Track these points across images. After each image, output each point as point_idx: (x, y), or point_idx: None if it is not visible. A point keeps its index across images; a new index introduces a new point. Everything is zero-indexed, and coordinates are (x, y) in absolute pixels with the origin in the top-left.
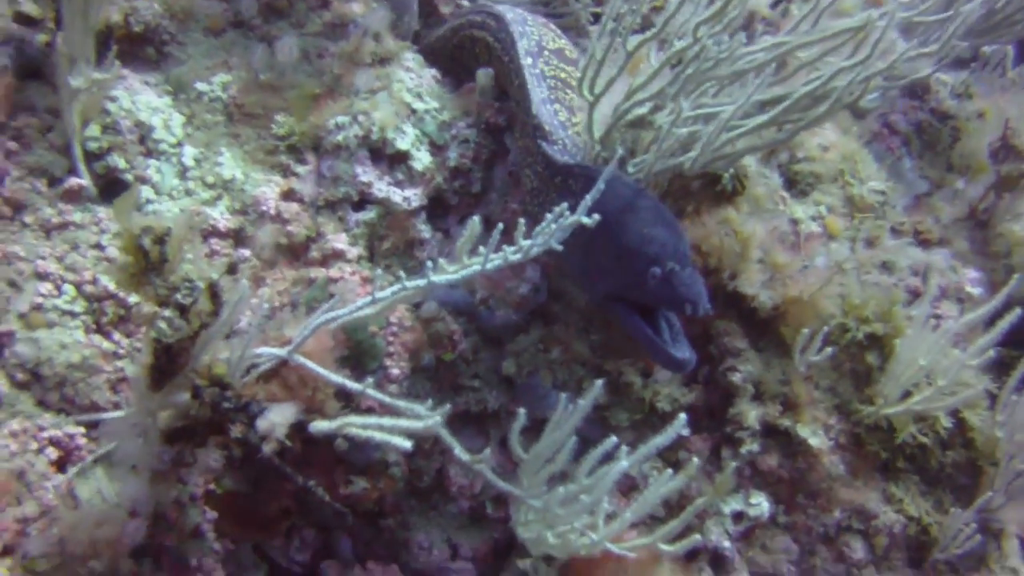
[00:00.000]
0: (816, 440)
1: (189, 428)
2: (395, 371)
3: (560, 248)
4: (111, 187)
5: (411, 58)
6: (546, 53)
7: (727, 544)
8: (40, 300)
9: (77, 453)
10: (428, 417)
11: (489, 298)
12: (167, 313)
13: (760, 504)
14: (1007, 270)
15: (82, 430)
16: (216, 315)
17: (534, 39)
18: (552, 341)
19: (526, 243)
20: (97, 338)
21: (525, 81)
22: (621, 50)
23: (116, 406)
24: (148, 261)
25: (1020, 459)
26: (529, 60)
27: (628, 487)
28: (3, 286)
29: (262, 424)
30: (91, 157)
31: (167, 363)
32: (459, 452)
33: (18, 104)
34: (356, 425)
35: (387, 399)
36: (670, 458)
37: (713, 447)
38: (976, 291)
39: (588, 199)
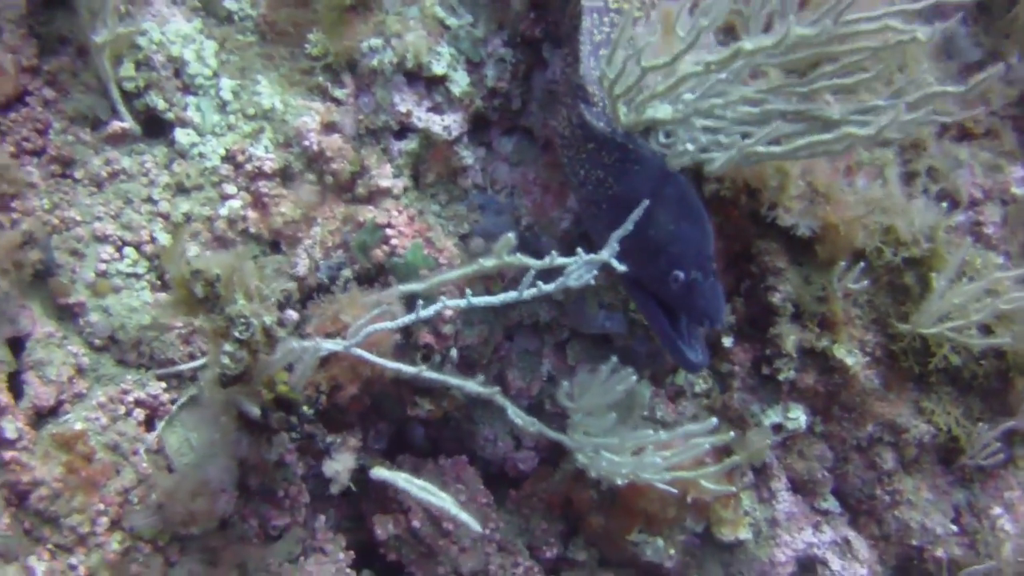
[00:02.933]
0: (852, 359)
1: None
2: (448, 312)
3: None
4: (153, 123)
5: None
6: None
7: (761, 441)
8: (103, 266)
9: (162, 408)
10: (484, 387)
11: (534, 225)
12: (228, 347)
13: (798, 417)
14: None
15: (163, 385)
16: (272, 346)
17: None
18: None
19: (549, 286)
20: (163, 296)
21: (582, 16)
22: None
23: (191, 356)
24: (201, 300)
25: None
26: None
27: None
28: (67, 257)
29: (328, 469)
30: (129, 96)
31: (234, 381)
32: (513, 413)
33: (47, 41)
34: (413, 487)
35: (442, 377)
36: (716, 367)
37: (754, 360)
38: (1021, 191)
39: (616, 235)
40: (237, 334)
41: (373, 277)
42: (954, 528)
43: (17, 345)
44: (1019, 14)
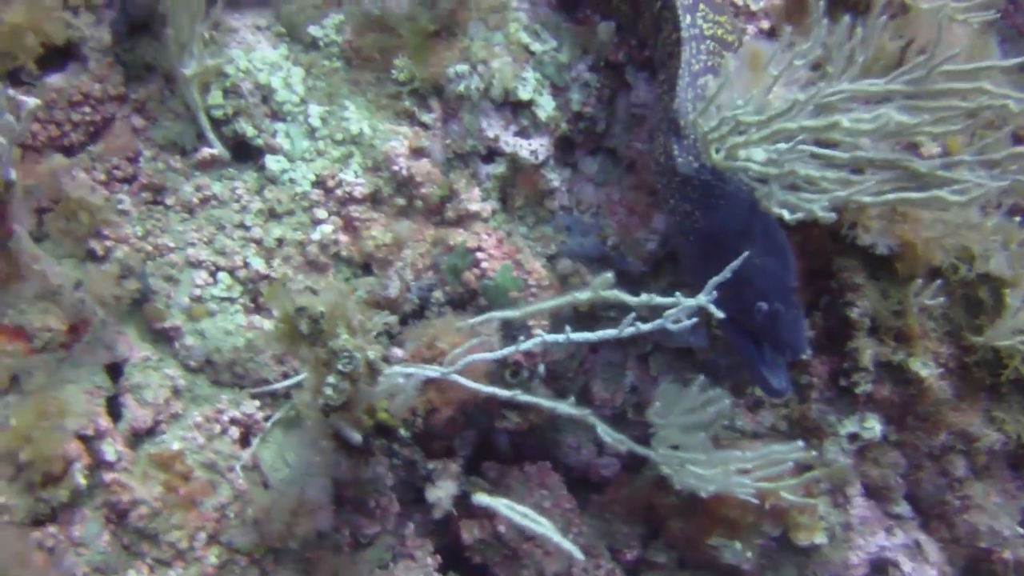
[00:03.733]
0: (927, 371)
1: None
2: (537, 330)
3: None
4: (242, 148)
5: None
6: (701, 5)
7: (843, 460)
8: (198, 291)
9: (256, 426)
10: (577, 409)
11: (620, 245)
12: (331, 379)
13: (873, 427)
14: None
15: (257, 403)
16: (374, 377)
17: None
18: (680, 287)
19: (647, 326)
20: (257, 318)
21: (680, 46)
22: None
23: (284, 375)
24: (306, 335)
25: None
26: (688, 18)
27: None
28: (162, 283)
29: (431, 495)
30: (217, 123)
31: (336, 410)
32: (603, 432)
33: (132, 67)
34: (516, 514)
35: (535, 400)
36: (795, 378)
37: (831, 372)
38: None
39: (713, 283)
40: (340, 367)
41: (465, 301)
42: (1021, 531)
43: (115, 370)
44: None
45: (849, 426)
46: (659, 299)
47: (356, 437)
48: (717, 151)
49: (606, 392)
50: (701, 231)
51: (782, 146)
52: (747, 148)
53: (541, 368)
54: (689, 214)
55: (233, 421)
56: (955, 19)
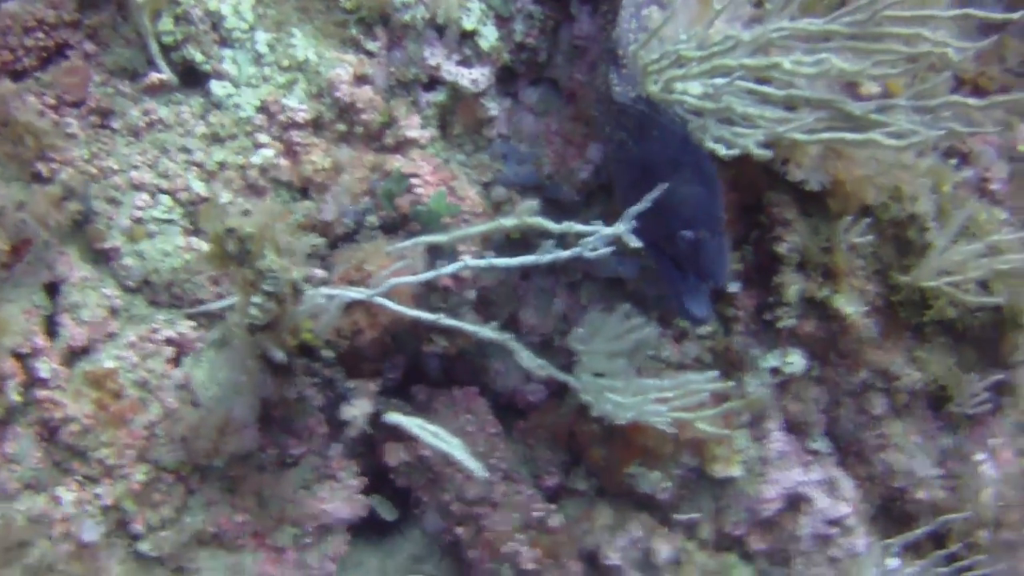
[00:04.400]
0: (851, 308)
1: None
2: (466, 256)
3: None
4: (191, 74)
5: None
6: None
7: (764, 392)
8: (139, 213)
9: (190, 346)
10: (498, 333)
11: (555, 174)
12: (256, 299)
13: (795, 362)
14: None
15: (192, 324)
16: (299, 298)
17: None
18: (613, 216)
19: (565, 253)
20: (195, 240)
21: None
22: None
23: (219, 296)
24: (234, 256)
25: None
26: None
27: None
28: (104, 204)
29: (345, 413)
30: (167, 48)
31: (261, 330)
32: (523, 357)
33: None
34: (427, 433)
35: (458, 324)
36: (721, 311)
37: (757, 306)
38: None
39: (632, 212)
40: (266, 287)
41: (398, 225)
42: (938, 472)
43: (54, 290)
44: None
45: (771, 360)
46: (579, 226)
47: (280, 355)
48: (655, 83)
49: (535, 319)
50: (634, 160)
51: (719, 81)
52: (684, 82)
53: (471, 294)
54: (623, 143)
55: (168, 341)
56: None
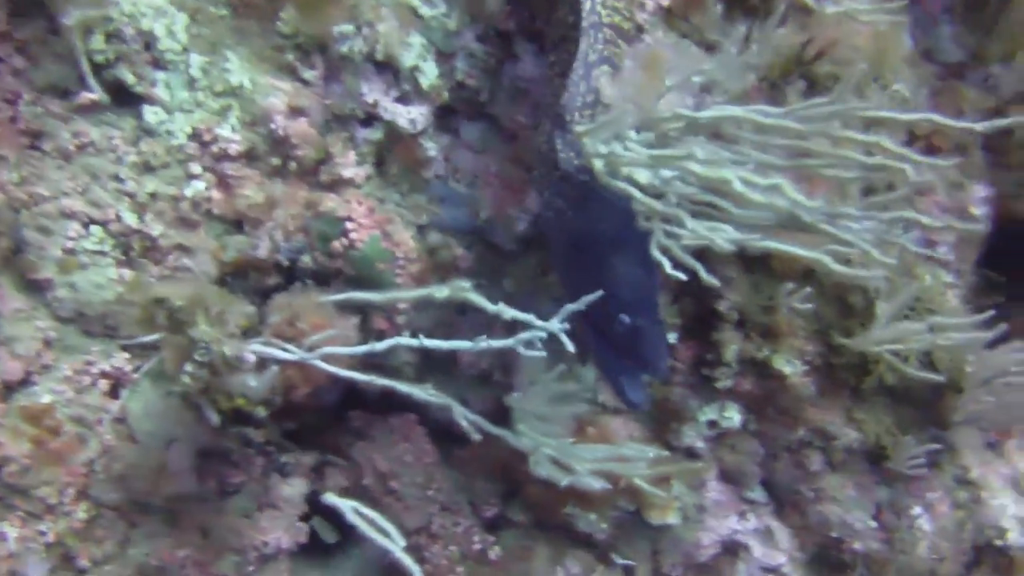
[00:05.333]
0: (790, 368)
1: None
2: (402, 305)
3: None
4: (122, 91)
5: None
6: None
7: (700, 444)
8: (71, 244)
9: (126, 378)
10: (435, 396)
11: (492, 218)
12: (188, 368)
13: (732, 417)
14: (1018, 186)
15: (127, 355)
16: (231, 369)
17: None
18: (549, 267)
19: (498, 343)
20: (127, 272)
21: (578, 34)
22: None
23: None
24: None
25: (978, 394)
26: (588, 3)
27: None
28: (35, 234)
29: (282, 492)
30: (99, 67)
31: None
32: (458, 413)
33: (18, 3)
34: (363, 522)
35: (392, 384)
36: None
37: (695, 359)
38: (980, 211)
39: (568, 310)
40: (197, 357)
41: (330, 273)
42: (874, 524)
43: None
44: (1009, 12)
45: (709, 413)
46: (514, 313)
47: (214, 419)
48: (603, 167)
49: (472, 355)
50: (572, 231)
51: (667, 174)
52: (631, 168)
53: (406, 334)
54: (562, 211)
55: (103, 374)
56: (860, 20)
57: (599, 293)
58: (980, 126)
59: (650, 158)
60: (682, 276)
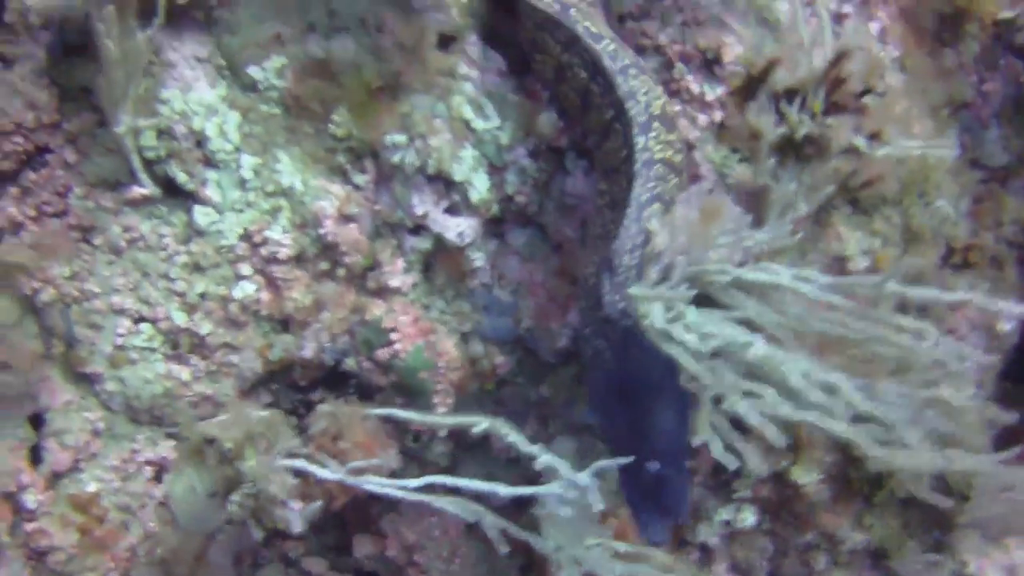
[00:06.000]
0: (807, 479)
1: None
2: (441, 409)
3: None
4: (174, 185)
5: (475, 43)
6: (655, 124)
7: (714, 540)
8: (120, 340)
9: (170, 464)
10: (466, 510)
11: (534, 328)
12: (235, 498)
13: (747, 519)
14: None
15: (172, 443)
16: (276, 503)
17: (641, 101)
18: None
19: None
20: (176, 368)
21: (631, 170)
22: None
23: (200, 418)
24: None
25: (984, 502)
26: (641, 140)
27: None
28: (86, 330)
29: None
30: (149, 162)
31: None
32: (488, 523)
33: (67, 90)
34: None
35: (427, 500)
36: None
37: (715, 464)
38: (1008, 327)
39: (599, 467)
40: (245, 490)
41: (374, 388)
42: None
43: (38, 419)
44: None
45: (724, 515)
46: (548, 458)
47: (257, 535)
48: (654, 322)
49: (504, 443)
50: (612, 374)
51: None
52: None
53: (443, 432)
54: (601, 352)
55: (148, 462)
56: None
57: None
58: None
59: (702, 337)
60: (733, 464)
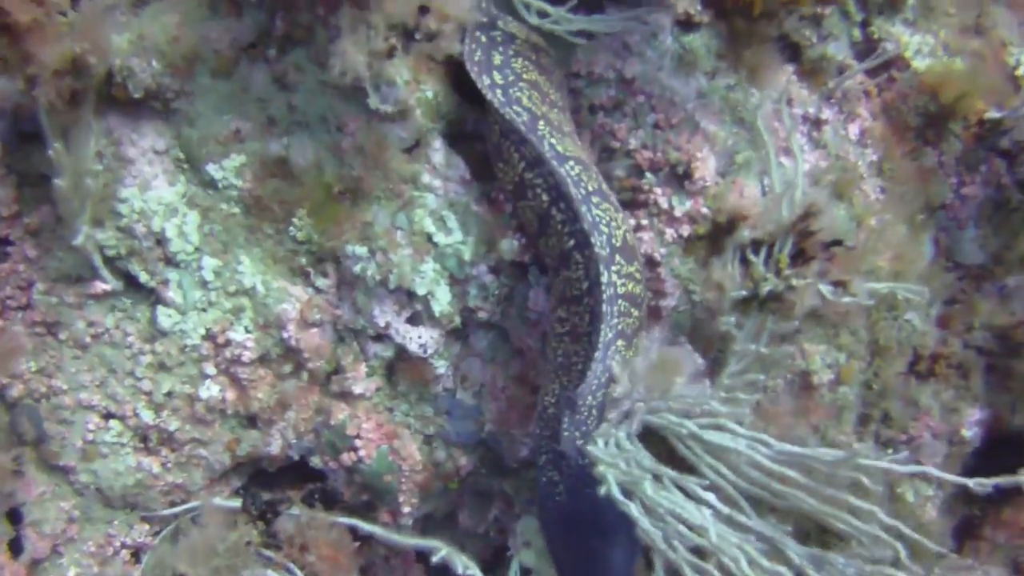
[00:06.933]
0: None
1: None
2: (406, 508)
3: None
4: (135, 279)
5: (439, 148)
6: (617, 257)
7: None
8: (91, 435)
9: (146, 547)
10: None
11: (497, 432)
12: None
13: None
14: (1013, 409)
15: (147, 527)
16: None
17: (604, 232)
18: None
19: None
20: (147, 460)
21: (598, 312)
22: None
23: (172, 504)
24: None
25: None
26: (605, 275)
27: None
28: (56, 426)
29: None
30: (110, 259)
31: None
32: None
33: (25, 176)
34: None
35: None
36: None
37: None
38: (971, 432)
39: None
40: None
41: (338, 498)
42: None
43: (15, 513)
44: None
45: None
46: None
47: None
48: (609, 475)
49: (470, 521)
50: (561, 506)
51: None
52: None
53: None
54: (554, 484)
55: (124, 545)
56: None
57: None
58: (972, 483)
59: (664, 504)
60: None
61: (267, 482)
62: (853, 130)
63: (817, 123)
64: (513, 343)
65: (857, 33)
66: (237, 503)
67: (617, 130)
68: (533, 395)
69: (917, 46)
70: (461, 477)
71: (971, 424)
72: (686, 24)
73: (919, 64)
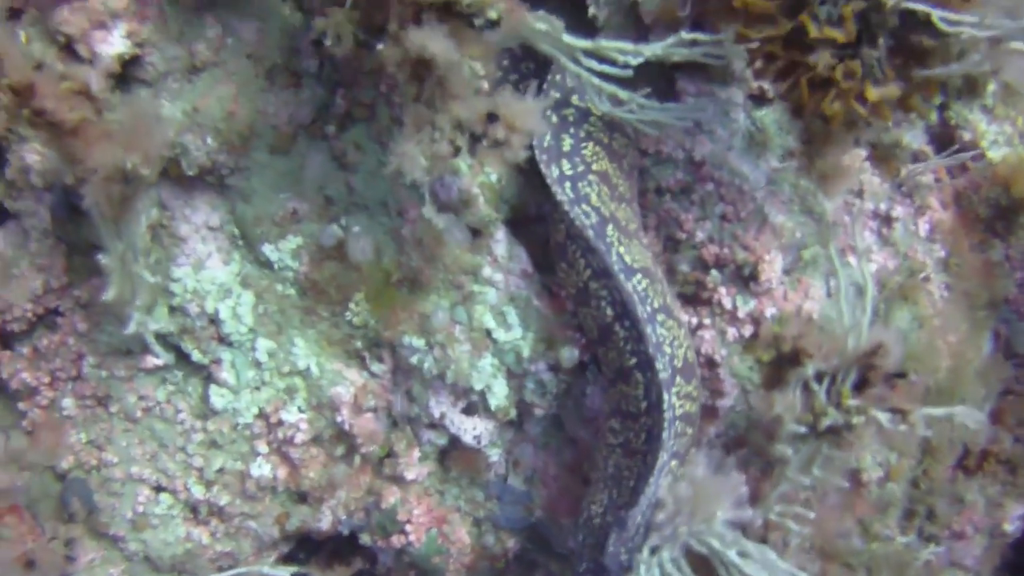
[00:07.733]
0: None
1: None
2: None
3: None
4: (186, 355)
5: (501, 240)
6: (678, 378)
7: None
8: (141, 507)
9: None
10: None
11: (545, 519)
12: None
13: None
14: None
15: None
16: None
17: (667, 354)
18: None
19: None
20: (196, 531)
21: (659, 441)
22: None
23: (219, 570)
24: None
25: None
26: (666, 398)
27: None
28: (107, 498)
29: None
30: (162, 337)
31: None
32: None
33: (75, 247)
34: None
35: None
36: None
37: None
38: (1012, 527)
39: None
40: None
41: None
42: None
43: None
44: None
45: None
46: None
47: None
48: None
49: None
50: None
51: None
52: None
53: None
54: None
55: None
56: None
57: None
58: None
59: None
60: None
61: (314, 548)
62: (923, 225)
63: (887, 220)
64: (569, 430)
65: (934, 117)
66: (285, 573)
67: (684, 221)
68: (583, 486)
69: (994, 136)
70: (508, 559)
71: (1014, 519)
72: (759, 99)
73: (994, 154)
